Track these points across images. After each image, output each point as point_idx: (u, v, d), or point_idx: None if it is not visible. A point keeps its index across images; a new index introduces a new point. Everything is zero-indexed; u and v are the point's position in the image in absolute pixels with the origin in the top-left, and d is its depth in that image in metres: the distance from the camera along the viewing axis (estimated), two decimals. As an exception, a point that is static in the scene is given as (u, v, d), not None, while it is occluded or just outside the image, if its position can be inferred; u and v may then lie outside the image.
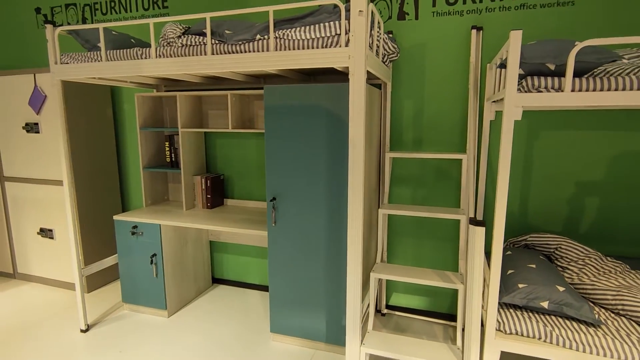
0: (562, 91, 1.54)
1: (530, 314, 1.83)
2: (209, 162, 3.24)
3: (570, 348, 1.66)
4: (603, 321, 1.77)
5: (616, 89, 1.49)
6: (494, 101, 2.32)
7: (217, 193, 3.08)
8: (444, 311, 2.80)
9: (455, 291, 2.73)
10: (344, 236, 2.20)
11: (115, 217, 2.76)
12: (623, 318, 1.79)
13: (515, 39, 1.53)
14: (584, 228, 2.41)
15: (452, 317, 2.77)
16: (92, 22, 3.37)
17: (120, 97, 3.41)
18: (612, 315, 1.83)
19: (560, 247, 2.22)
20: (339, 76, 2.70)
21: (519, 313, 1.83)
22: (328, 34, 1.78)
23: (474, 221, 1.72)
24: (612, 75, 1.51)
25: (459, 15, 2.46)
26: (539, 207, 2.48)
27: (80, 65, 2.26)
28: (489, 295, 1.71)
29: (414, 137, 2.68)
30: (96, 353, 2.39)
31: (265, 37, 1.88)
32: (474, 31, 2.40)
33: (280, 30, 1.85)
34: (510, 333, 1.76)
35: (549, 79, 1.56)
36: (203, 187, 2.99)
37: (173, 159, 3.07)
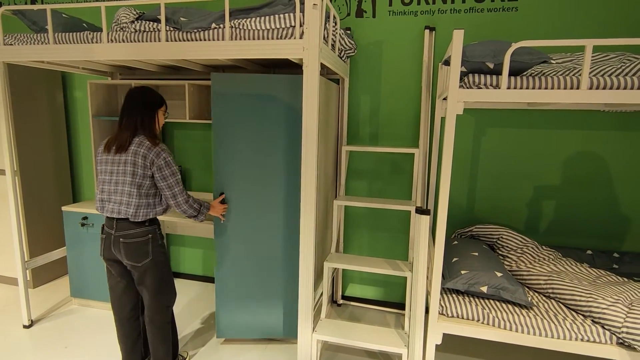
0: (499, 88, 1.65)
1: (471, 298, 1.95)
2: (166, 153, 3.18)
3: (505, 328, 1.78)
4: (535, 303, 1.91)
5: (546, 88, 1.62)
6: (444, 98, 2.44)
7: (174, 185, 3.02)
8: (397, 301, 2.90)
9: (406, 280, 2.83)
10: (298, 228, 2.23)
11: (63, 208, 2.65)
12: (553, 300, 1.94)
13: (458, 37, 1.62)
14: (524, 220, 2.58)
15: (405, 306, 2.88)
16: (42, 3, 3.20)
17: (72, 84, 3.27)
18: (544, 298, 1.98)
19: (501, 237, 2.37)
20: (298, 69, 2.73)
21: (460, 298, 1.94)
22: (283, 26, 1.80)
23: (419, 210, 1.81)
24: (544, 75, 1.64)
25: (414, 16, 2.56)
26: (484, 200, 2.63)
27: (26, 47, 2.16)
28: (433, 281, 1.80)
29: (370, 132, 2.75)
30: (39, 349, 2.29)
31: (221, 26, 1.88)
32: (427, 31, 2.51)
33: (236, 20, 1.86)
34: (452, 316, 1.87)
35: (488, 76, 1.67)
36: (159, 179, 2.93)
37: (128, 150, 2.99)
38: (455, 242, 2.35)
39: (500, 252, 2.35)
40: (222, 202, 2.22)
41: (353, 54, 2.54)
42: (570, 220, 2.51)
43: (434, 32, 2.53)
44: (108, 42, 2.04)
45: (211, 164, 3.09)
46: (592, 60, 1.94)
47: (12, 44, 2.19)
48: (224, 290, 2.32)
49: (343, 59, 2.46)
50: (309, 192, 1.88)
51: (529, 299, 1.94)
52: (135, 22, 2.00)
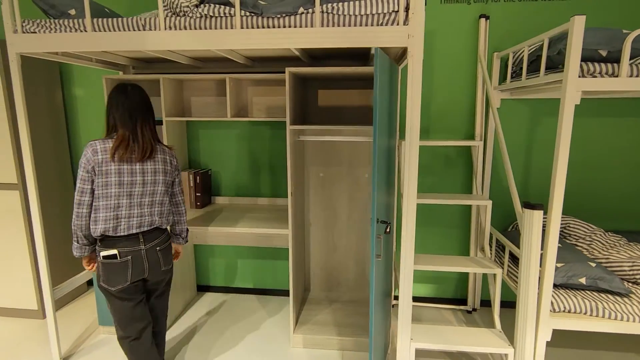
0: (618, 77, 1.61)
1: (568, 290, 1.92)
2: (190, 156, 2.86)
3: (615, 319, 1.77)
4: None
5: (663, 76, 1.60)
6: (502, 90, 2.40)
7: (206, 190, 2.73)
8: (449, 296, 2.85)
9: (460, 275, 2.79)
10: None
11: (88, 225, 2.27)
12: (643, 286, 1.97)
13: (579, 23, 1.55)
14: (582, 206, 2.62)
15: (459, 301, 2.84)
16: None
17: (71, 80, 2.83)
18: (631, 284, 2.01)
19: (568, 226, 2.38)
20: (349, 61, 2.55)
21: (561, 291, 1.91)
22: (385, 10, 1.63)
23: (529, 205, 1.74)
24: None
25: (467, 4, 2.48)
26: (537, 189, 2.64)
27: (55, 36, 1.78)
28: (545, 277, 1.75)
29: (422, 125, 2.65)
30: (85, 391, 1.96)
31: (310, 10, 1.67)
32: (482, 20, 2.44)
33: (328, 4, 1.66)
34: (559, 311, 1.83)
35: (603, 64, 1.63)
36: (192, 184, 2.63)
37: (151, 153, 2.65)
38: (526, 234, 2.33)
39: (567, 241, 2.37)
40: (387, 230, 1.79)
41: (409, 43, 2.41)
42: (622, 203, 2.59)
43: (488, 20, 2.47)
44: (165, 29, 1.74)
45: (243, 166, 2.82)
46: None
47: (35, 32, 1.81)
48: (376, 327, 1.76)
49: (403, 48, 2.33)
50: (412, 190, 1.74)
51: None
52: (201, 5, 1.72)
